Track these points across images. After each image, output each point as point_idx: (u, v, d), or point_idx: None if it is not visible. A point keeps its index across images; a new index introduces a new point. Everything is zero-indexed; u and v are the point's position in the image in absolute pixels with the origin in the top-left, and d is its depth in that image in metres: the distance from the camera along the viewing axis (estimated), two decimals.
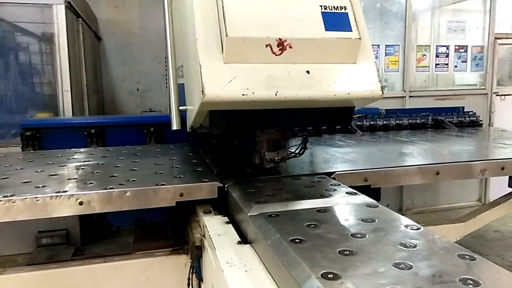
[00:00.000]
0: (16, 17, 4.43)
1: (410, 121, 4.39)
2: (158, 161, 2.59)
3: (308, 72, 1.74)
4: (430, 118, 4.47)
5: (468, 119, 4.61)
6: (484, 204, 5.97)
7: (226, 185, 1.95)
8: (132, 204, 1.83)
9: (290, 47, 1.71)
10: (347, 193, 1.75)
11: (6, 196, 1.72)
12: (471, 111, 4.78)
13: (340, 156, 2.77)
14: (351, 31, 1.78)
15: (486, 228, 4.57)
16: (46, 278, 2.00)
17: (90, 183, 1.94)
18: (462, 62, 6.22)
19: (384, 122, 4.28)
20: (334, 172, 2.16)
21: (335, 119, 2.07)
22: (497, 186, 5.18)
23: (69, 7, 4.40)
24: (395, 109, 4.56)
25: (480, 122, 4.65)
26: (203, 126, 2.07)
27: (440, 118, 4.49)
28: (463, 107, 4.96)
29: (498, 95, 6.42)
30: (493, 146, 3.37)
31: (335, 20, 1.78)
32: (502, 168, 2.49)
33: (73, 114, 4.40)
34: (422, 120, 4.44)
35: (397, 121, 4.34)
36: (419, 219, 1.38)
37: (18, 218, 1.72)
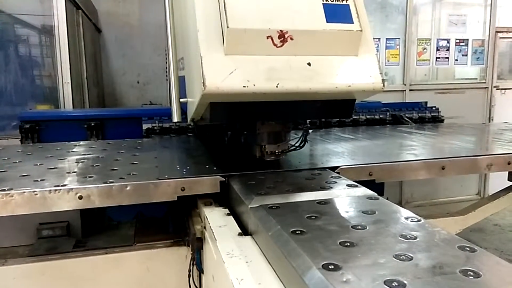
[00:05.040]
0: (15, 8, 4.40)
1: (367, 116, 4.27)
2: (159, 154, 2.58)
3: (309, 64, 1.74)
4: (388, 113, 4.36)
5: (429, 114, 4.51)
6: (483, 197, 5.98)
7: (227, 178, 1.95)
8: (132, 198, 1.80)
9: (291, 39, 1.70)
10: (347, 185, 1.75)
11: (4, 190, 1.68)
12: (434, 107, 4.67)
13: None
14: (353, 23, 1.77)
15: (485, 222, 4.58)
16: (47, 270, 2.00)
17: (90, 177, 1.92)
18: (463, 55, 6.21)
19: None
20: (338, 166, 2.15)
21: (335, 111, 2.06)
22: (496, 180, 5.18)
23: None
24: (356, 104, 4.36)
25: (442, 118, 4.54)
26: (204, 119, 2.06)
27: (398, 114, 4.38)
28: (426, 102, 4.83)
29: (498, 89, 6.42)
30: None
31: (337, 12, 1.77)
32: (509, 163, 2.44)
33: (73, 107, 4.39)
34: (380, 116, 4.33)
35: (353, 117, 4.17)
36: (419, 212, 1.38)
37: (16, 213, 1.69)
